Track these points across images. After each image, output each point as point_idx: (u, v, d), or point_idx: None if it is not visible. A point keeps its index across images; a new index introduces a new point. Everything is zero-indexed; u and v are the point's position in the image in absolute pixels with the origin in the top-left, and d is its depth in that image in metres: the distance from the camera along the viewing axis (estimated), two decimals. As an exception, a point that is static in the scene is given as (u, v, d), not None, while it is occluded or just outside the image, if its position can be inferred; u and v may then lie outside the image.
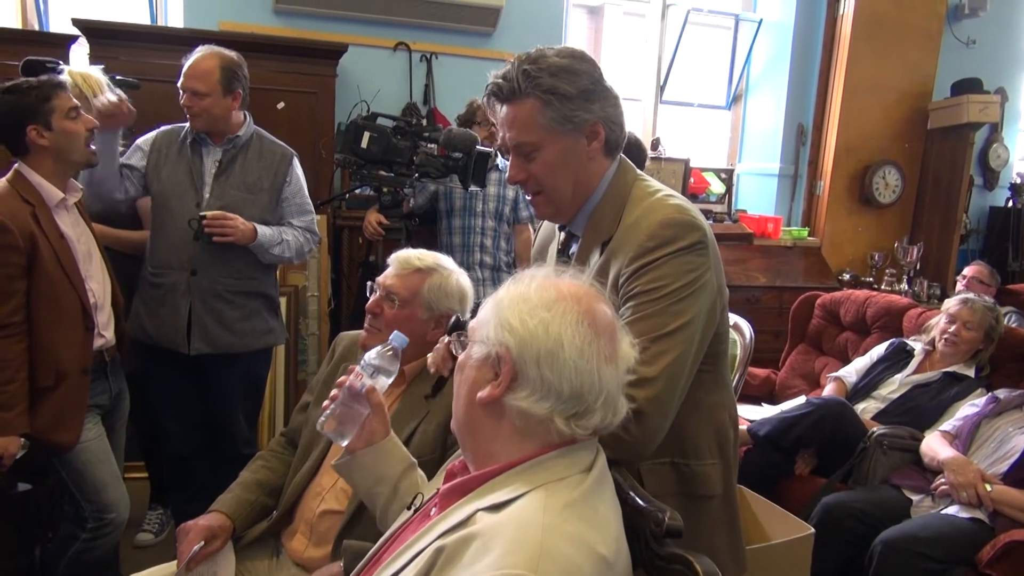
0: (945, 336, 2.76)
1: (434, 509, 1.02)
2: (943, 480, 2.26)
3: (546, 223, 1.59)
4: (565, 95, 1.25)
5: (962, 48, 5.04)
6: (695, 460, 1.38)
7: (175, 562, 1.49)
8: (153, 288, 2.34)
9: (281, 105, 3.44)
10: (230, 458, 2.49)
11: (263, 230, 2.35)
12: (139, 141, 2.43)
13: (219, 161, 2.37)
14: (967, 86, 4.71)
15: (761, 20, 4.93)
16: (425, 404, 1.57)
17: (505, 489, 0.91)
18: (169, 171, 2.37)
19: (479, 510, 0.90)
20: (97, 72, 2.50)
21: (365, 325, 1.67)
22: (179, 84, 2.32)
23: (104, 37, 3.18)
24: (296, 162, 2.51)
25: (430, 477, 1.52)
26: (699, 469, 1.38)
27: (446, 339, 1.33)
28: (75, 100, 2.00)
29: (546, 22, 4.24)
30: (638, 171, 1.41)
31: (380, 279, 1.66)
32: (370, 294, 1.69)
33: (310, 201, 2.57)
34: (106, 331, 2.07)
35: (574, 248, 1.41)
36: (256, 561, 1.61)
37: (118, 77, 2.71)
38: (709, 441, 1.39)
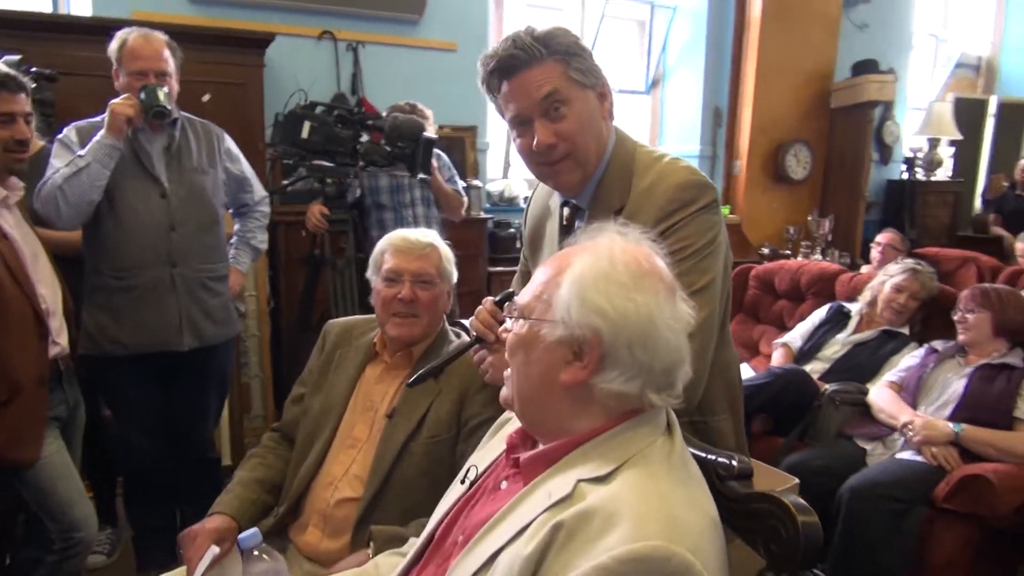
0: (892, 305, 2.89)
1: (506, 482, 0.99)
2: (912, 433, 2.38)
3: (533, 204, 1.55)
4: (583, 52, 1.28)
5: (856, 32, 5.38)
6: (711, 416, 1.42)
7: (183, 569, 1.40)
8: (123, 292, 2.16)
9: (206, 97, 3.27)
10: (192, 462, 2.38)
11: (243, 265, 2.55)
12: (67, 141, 2.15)
13: (167, 147, 2.23)
14: (865, 67, 5.06)
15: (676, 7, 5.09)
16: (435, 384, 1.53)
17: (599, 459, 0.89)
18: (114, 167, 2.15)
19: (580, 481, 0.87)
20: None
21: (392, 319, 1.58)
22: (134, 70, 2.12)
23: (6, 27, 2.93)
24: (227, 135, 2.45)
25: (447, 455, 1.50)
26: (715, 424, 1.43)
27: (487, 304, 1.28)
28: (18, 107, 1.82)
29: (474, 8, 4.23)
30: (634, 138, 1.43)
31: (394, 267, 1.59)
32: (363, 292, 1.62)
33: (250, 167, 2.57)
34: (60, 338, 1.92)
35: (579, 223, 1.38)
36: (263, 561, 1.53)
37: (34, 70, 2.52)
38: (721, 397, 1.44)
